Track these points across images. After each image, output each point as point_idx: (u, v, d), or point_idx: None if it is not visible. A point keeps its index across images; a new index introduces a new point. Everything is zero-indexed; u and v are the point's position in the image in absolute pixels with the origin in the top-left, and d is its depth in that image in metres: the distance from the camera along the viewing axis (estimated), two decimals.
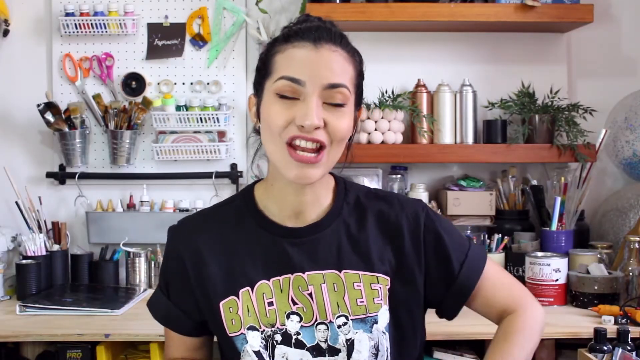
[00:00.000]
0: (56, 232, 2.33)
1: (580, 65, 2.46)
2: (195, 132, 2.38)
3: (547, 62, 2.42)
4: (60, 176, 2.41)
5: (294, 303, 1.20)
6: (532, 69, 2.41)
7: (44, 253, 2.21)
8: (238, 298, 1.21)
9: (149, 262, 2.32)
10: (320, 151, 1.13)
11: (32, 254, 2.19)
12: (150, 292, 2.24)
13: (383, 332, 1.21)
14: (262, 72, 1.20)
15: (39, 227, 2.30)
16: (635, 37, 2.46)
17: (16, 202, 2.29)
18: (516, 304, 1.30)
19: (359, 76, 1.21)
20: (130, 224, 2.35)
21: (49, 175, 2.41)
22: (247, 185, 1.31)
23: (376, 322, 1.20)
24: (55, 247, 2.29)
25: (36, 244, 2.20)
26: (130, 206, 2.40)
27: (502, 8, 2.21)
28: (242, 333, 1.21)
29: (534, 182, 2.35)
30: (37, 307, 1.97)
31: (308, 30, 1.16)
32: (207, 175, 2.38)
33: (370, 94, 2.30)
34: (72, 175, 2.38)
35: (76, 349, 1.81)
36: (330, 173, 1.27)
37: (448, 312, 1.32)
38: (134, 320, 1.91)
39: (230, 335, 1.21)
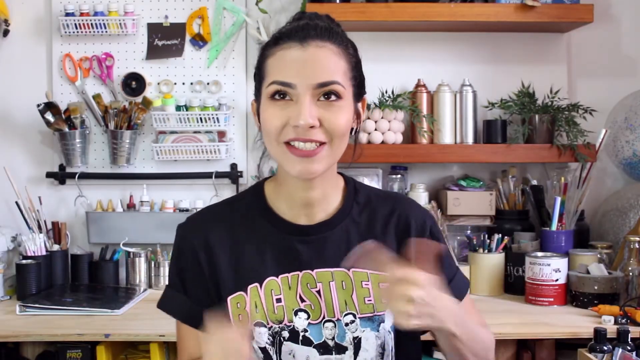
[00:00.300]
0: (56, 232, 2.32)
1: (580, 65, 2.46)
2: (195, 132, 2.38)
3: (547, 62, 2.42)
4: (60, 176, 2.41)
5: (302, 300, 1.20)
6: (532, 69, 2.41)
7: (44, 253, 2.21)
8: (246, 294, 1.21)
9: (149, 262, 2.32)
10: (320, 145, 1.14)
11: (32, 254, 2.18)
12: (151, 291, 2.25)
13: (389, 332, 1.22)
14: (258, 77, 1.21)
15: (39, 227, 2.29)
16: (635, 37, 2.46)
17: (16, 202, 2.29)
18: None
19: (355, 67, 1.20)
20: (130, 224, 2.35)
21: (49, 175, 2.41)
22: (257, 182, 1.31)
23: (383, 322, 1.21)
24: (55, 247, 2.29)
25: (36, 244, 2.20)
26: (130, 206, 2.40)
27: (502, 8, 2.21)
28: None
29: (534, 182, 2.35)
30: (37, 307, 1.97)
31: (294, 30, 1.16)
32: (207, 175, 2.38)
33: (370, 94, 2.30)
34: (72, 175, 2.38)
35: (76, 349, 1.81)
36: (340, 173, 1.28)
37: None
38: (134, 320, 1.91)
39: None
